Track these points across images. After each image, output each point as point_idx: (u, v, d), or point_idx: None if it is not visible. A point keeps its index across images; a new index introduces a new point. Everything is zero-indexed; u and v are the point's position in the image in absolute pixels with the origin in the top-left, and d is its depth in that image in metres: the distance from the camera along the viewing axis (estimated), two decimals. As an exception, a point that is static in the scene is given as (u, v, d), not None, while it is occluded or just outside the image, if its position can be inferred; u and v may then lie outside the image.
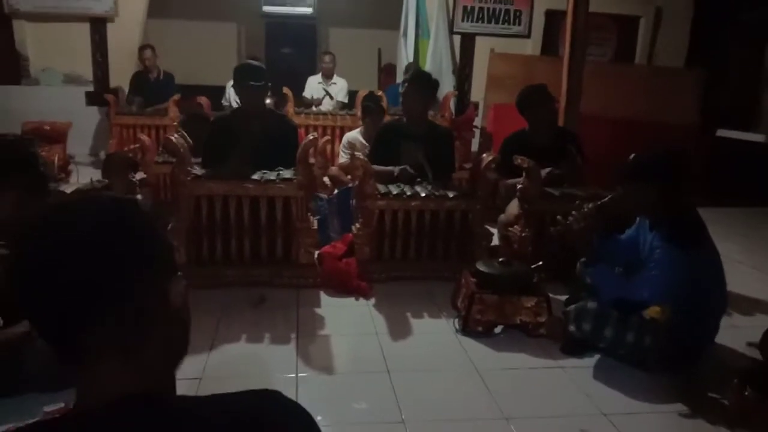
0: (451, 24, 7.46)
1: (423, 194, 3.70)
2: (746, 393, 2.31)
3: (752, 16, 7.45)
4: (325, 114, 6.59)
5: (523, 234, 3.69)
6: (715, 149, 6.80)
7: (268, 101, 5.18)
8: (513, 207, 3.89)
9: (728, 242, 3.84)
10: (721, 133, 7.13)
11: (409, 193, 3.70)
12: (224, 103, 7.00)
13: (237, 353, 2.80)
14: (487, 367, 2.74)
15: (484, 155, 3.91)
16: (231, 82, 6.06)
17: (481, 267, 3.13)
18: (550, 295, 3.09)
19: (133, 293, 0.77)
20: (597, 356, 2.82)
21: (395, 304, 3.40)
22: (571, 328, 2.82)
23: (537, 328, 3.02)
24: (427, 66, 6.89)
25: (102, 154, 6.62)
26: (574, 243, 2.85)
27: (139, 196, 3.87)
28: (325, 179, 5.03)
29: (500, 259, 3.18)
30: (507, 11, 7.67)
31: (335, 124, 6.43)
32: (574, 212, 2.85)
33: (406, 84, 4.15)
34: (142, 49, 6.99)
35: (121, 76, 7.37)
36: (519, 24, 7.76)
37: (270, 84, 3.84)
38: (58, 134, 6.30)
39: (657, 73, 7.68)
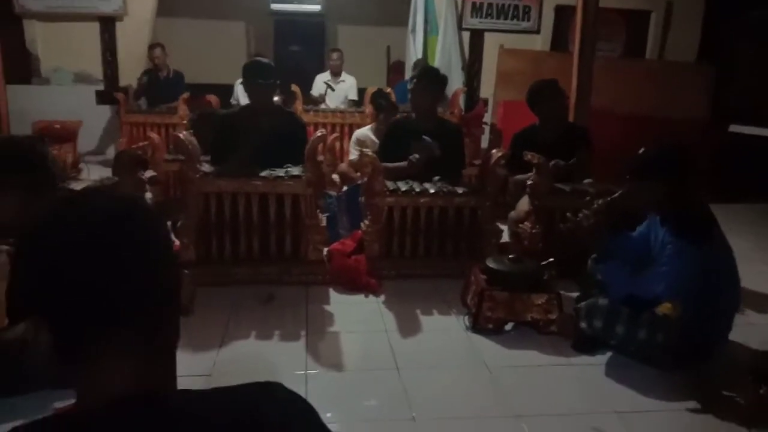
0: (459, 20, 7.41)
1: (432, 191, 3.69)
2: (761, 391, 2.29)
3: (765, 10, 7.36)
4: (333, 111, 6.59)
5: (534, 230, 3.67)
6: (727, 145, 6.73)
7: (276, 99, 5.19)
8: (523, 203, 3.86)
9: (741, 239, 3.79)
10: (734, 128, 7.05)
11: (418, 190, 3.68)
12: (233, 101, 7.01)
13: (246, 350, 2.80)
14: (497, 364, 2.72)
15: (494, 151, 3.89)
16: (239, 80, 6.07)
17: (491, 264, 3.11)
18: (561, 292, 3.07)
19: (148, 295, 0.77)
20: (608, 353, 2.80)
21: (405, 301, 3.39)
22: (583, 325, 2.80)
23: (548, 325, 2.99)
24: (436, 62, 6.86)
25: (112, 153, 6.65)
26: (585, 240, 2.83)
27: (148, 194, 3.88)
28: (335, 176, 5.03)
29: (510, 256, 3.17)
30: (516, 7, 7.61)
31: (344, 121, 6.42)
32: (584, 209, 2.84)
33: (414, 80, 4.14)
34: (152, 47, 7.01)
35: (130, 74, 7.39)
36: (528, 20, 7.70)
37: (278, 82, 3.83)
38: (69, 133, 6.33)
39: (667, 68, 7.62)
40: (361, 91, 6.93)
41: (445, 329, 3.10)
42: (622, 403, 2.42)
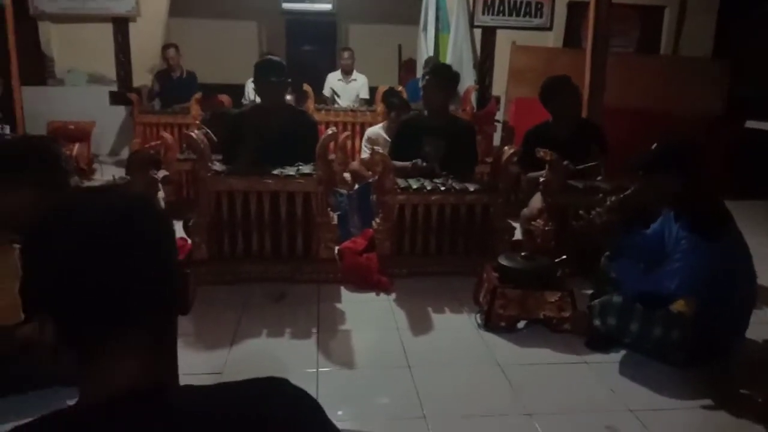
0: (471, 17, 7.38)
1: (443, 188, 3.67)
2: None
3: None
4: (345, 110, 6.59)
5: (547, 228, 3.63)
6: (744, 141, 6.64)
7: (288, 98, 5.19)
8: (536, 201, 3.83)
9: (758, 236, 3.73)
10: (750, 124, 6.95)
11: (429, 188, 3.67)
12: (244, 101, 7.04)
13: (258, 348, 2.80)
14: (509, 362, 2.70)
15: (506, 148, 3.86)
16: (250, 80, 6.09)
17: (503, 261, 3.09)
18: (574, 289, 3.04)
19: (159, 294, 0.77)
20: (622, 351, 2.77)
21: (416, 299, 3.37)
22: (596, 322, 2.77)
23: (561, 323, 2.97)
24: (448, 60, 6.83)
25: (125, 153, 6.70)
26: (598, 237, 2.81)
27: (160, 193, 3.90)
28: (346, 175, 5.02)
29: (523, 253, 3.14)
30: (528, 3, 7.58)
31: (355, 120, 6.42)
32: (597, 206, 2.81)
33: (427, 77, 4.12)
34: (165, 47, 7.06)
35: (143, 75, 7.45)
36: (540, 16, 7.66)
37: (290, 80, 3.83)
38: (83, 133, 6.39)
39: (681, 63, 7.54)
40: (372, 90, 6.92)
41: (457, 327, 3.08)
42: (636, 402, 2.40)
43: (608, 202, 2.80)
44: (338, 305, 3.31)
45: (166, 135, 5.02)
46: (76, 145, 6.11)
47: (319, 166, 3.49)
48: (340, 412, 2.28)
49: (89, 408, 0.74)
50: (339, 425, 0.84)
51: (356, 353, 2.78)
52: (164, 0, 7.57)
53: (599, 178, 3.95)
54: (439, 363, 2.71)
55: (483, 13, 7.55)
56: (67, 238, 0.73)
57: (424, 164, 3.89)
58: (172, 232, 0.85)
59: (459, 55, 7.04)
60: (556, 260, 3.10)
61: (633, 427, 2.24)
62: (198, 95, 6.50)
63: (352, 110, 6.60)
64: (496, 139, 6.67)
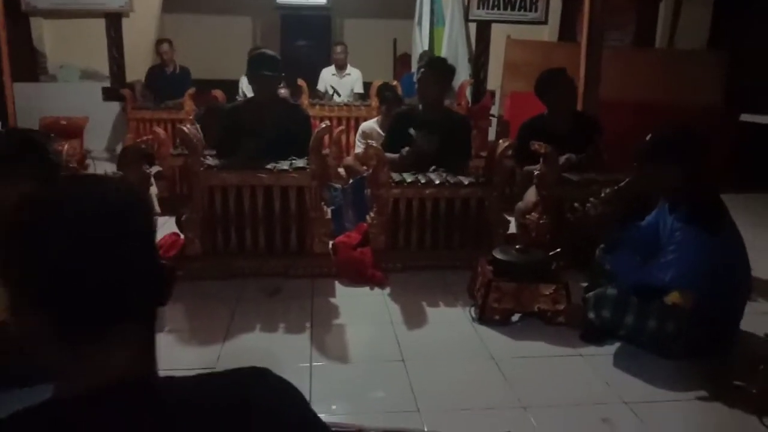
0: (466, 11, 7.35)
1: (438, 182, 3.66)
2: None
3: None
4: (339, 105, 6.56)
5: (541, 221, 3.63)
6: (740, 134, 6.63)
7: (283, 92, 5.16)
8: (530, 194, 3.82)
9: (754, 228, 3.73)
10: (746, 117, 6.94)
11: (423, 181, 3.65)
12: (238, 98, 7.00)
13: (252, 343, 2.79)
14: (504, 355, 2.69)
15: (500, 141, 3.85)
16: (244, 76, 6.05)
17: (497, 254, 3.08)
18: (569, 282, 3.03)
19: (152, 286, 0.77)
20: (617, 344, 2.76)
21: (411, 293, 3.36)
22: (591, 315, 2.76)
23: (555, 316, 2.96)
24: (443, 54, 6.80)
25: (119, 149, 6.67)
26: (593, 230, 2.79)
27: (153, 189, 3.87)
28: (340, 170, 5.00)
29: (517, 247, 3.13)
30: (523, -3, 7.55)
31: (350, 114, 6.41)
32: (591, 198, 2.79)
33: (422, 70, 4.10)
34: (159, 42, 7.03)
35: (137, 71, 7.40)
36: (535, 10, 7.62)
37: (284, 75, 3.80)
38: (75, 129, 6.33)
39: (678, 56, 7.52)
40: (367, 85, 6.89)
41: (452, 321, 3.07)
42: (631, 394, 2.39)
43: (603, 194, 2.78)
44: (332, 300, 3.29)
45: (159, 130, 4.99)
46: (69, 142, 6.07)
47: (313, 160, 3.48)
48: (333, 406, 2.26)
49: (77, 399, 0.72)
50: (333, 419, 0.84)
51: (350, 347, 2.77)
52: (157, -5, 7.53)
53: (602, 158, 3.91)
54: (434, 357, 2.70)
55: (478, 7, 7.51)
56: (62, 231, 0.71)
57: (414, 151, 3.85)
58: (153, 221, 0.85)
59: (454, 49, 7.02)
60: (551, 253, 3.09)
61: (628, 420, 2.24)
62: (191, 91, 6.47)
63: (346, 105, 6.57)
64: (491, 134, 6.65)
